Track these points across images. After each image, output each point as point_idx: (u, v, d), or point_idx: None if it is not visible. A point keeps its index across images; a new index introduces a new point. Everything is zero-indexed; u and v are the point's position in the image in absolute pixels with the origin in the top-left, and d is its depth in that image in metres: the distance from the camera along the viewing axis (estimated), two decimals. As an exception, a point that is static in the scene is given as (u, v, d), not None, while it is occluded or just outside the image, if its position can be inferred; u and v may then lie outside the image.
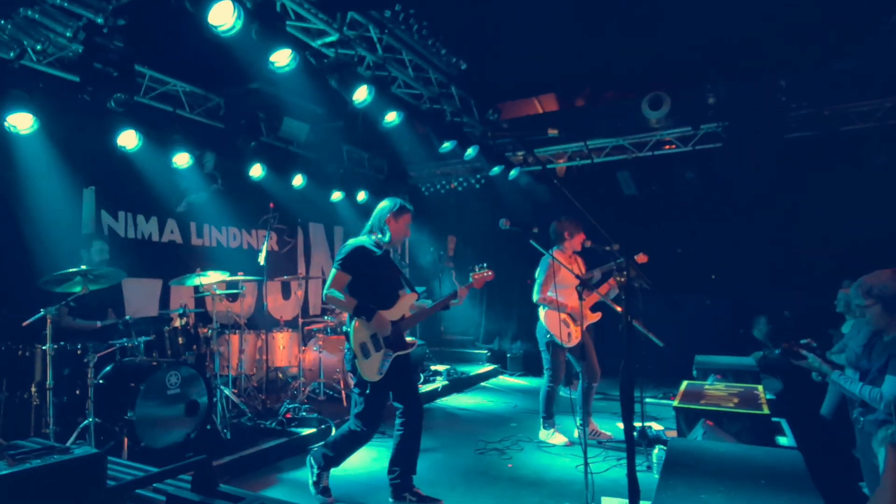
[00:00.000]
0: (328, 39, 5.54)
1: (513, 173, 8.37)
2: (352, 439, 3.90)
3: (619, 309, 4.73)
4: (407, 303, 3.97)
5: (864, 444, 3.30)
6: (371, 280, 3.82)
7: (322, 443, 4.05)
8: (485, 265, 4.11)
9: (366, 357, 3.74)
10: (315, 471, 3.94)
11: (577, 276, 4.04)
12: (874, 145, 7.16)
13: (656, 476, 4.02)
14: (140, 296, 6.11)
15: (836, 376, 3.31)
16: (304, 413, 5.61)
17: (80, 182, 5.79)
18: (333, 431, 5.32)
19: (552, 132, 4.78)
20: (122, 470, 2.03)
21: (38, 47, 4.84)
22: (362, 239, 3.91)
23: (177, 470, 1.81)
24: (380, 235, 3.92)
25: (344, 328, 3.92)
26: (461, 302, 4.05)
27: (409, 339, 3.96)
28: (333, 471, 4.04)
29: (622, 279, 2.61)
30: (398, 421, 3.95)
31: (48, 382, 3.96)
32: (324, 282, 8.79)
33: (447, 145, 7.05)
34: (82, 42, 4.76)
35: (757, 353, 5.99)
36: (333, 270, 3.79)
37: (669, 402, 6.30)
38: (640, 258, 5.27)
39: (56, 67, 5.23)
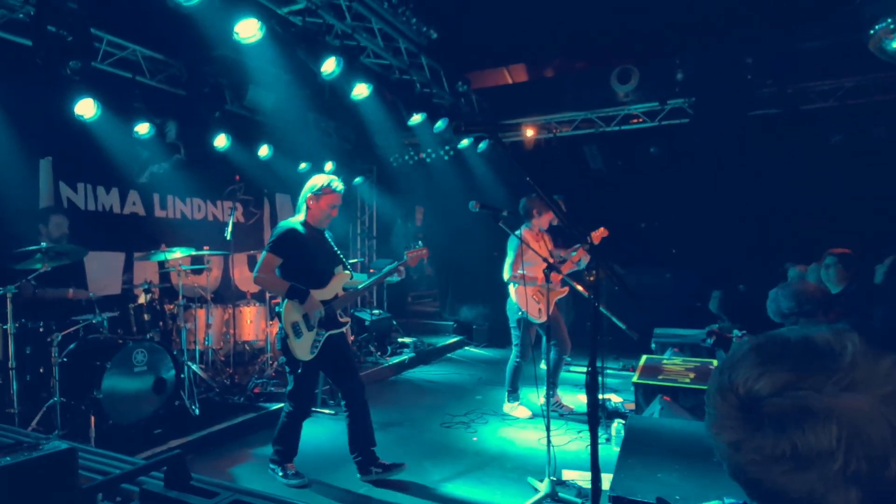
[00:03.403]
0: (295, 7, 5.38)
1: (481, 146, 8.36)
2: (290, 422, 3.94)
3: (580, 288, 4.85)
4: (340, 281, 3.99)
5: None
6: (302, 261, 3.82)
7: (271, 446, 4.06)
8: (420, 243, 4.18)
9: (297, 337, 3.77)
10: (279, 471, 3.96)
11: (544, 259, 4.12)
12: (832, 124, 7.39)
13: (615, 448, 4.21)
14: (103, 270, 5.98)
15: None
16: (272, 388, 5.65)
17: (37, 152, 5.57)
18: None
19: (527, 129, 4.79)
20: (93, 459, 2.05)
21: (-13, 11, 4.60)
22: (292, 220, 3.92)
23: (150, 467, 1.82)
24: (300, 216, 3.91)
25: (277, 308, 3.94)
26: (402, 276, 4.10)
27: (342, 318, 3.97)
28: (304, 449, 4.09)
29: (591, 278, 2.68)
30: (342, 402, 4.02)
31: (10, 362, 3.92)
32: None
33: (417, 118, 6.97)
34: (34, 4, 4.54)
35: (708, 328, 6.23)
36: (263, 253, 3.77)
37: (629, 373, 6.55)
38: (601, 232, 5.37)
39: (7, 30, 4.97)
